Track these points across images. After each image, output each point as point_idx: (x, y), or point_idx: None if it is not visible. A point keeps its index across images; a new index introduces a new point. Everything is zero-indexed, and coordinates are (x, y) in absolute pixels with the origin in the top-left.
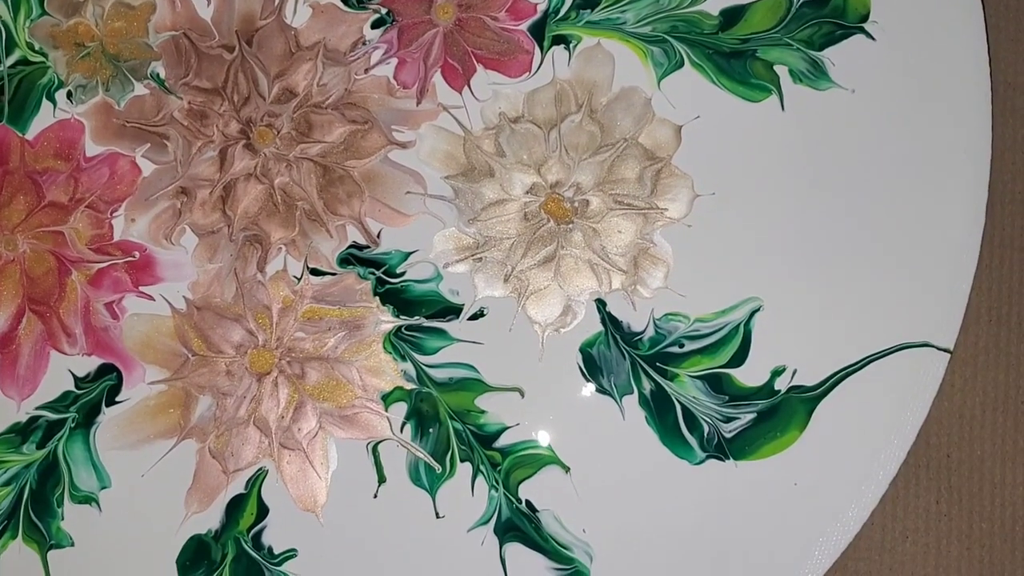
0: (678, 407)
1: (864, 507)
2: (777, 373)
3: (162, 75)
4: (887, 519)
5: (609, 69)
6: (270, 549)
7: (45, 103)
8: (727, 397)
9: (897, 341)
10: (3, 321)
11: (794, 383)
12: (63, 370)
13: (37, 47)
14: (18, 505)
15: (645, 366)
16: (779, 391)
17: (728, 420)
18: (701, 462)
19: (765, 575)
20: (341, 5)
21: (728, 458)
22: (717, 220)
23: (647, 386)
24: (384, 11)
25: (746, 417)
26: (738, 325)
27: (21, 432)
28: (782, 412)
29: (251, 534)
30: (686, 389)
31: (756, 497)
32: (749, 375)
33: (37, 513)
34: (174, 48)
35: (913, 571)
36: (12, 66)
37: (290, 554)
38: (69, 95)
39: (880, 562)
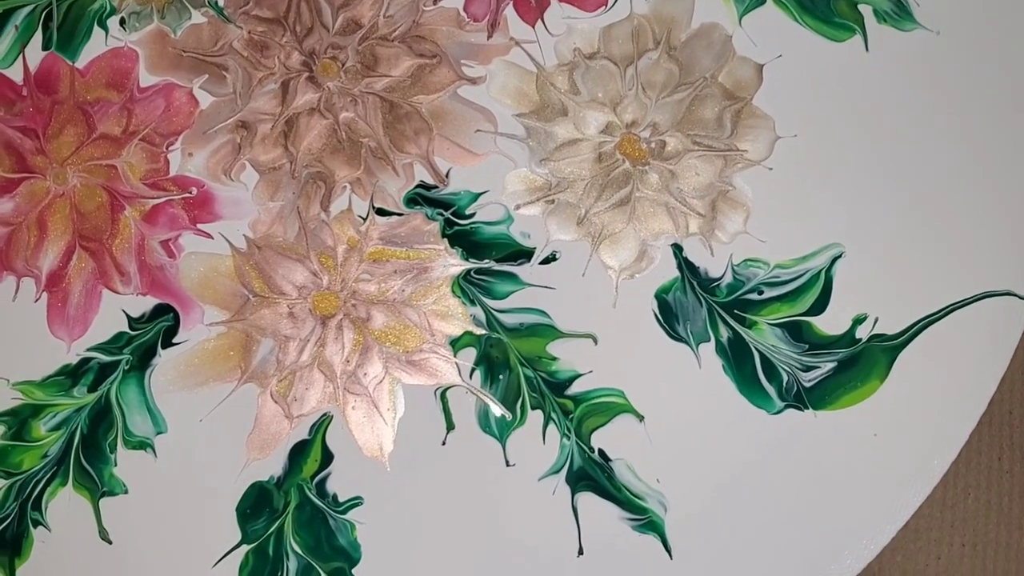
0: (756, 355)
1: (945, 459)
2: (858, 321)
3: (220, 3)
4: (948, 475)
5: (688, 4)
6: (335, 496)
7: (96, 30)
8: (807, 346)
9: (980, 290)
10: (53, 258)
11: (875, 332)
12: (116, 310)
13: None
14: (68, 451)
15: (723, 313)
16: (860, 340)
17: (808, 369)
18: (779, 412)
19: (842, 527)
20: None
21: (807, 408)
22: (798, 163)
23: (724, 334)
24: None
25: (826, 366)
26: (819, 272)
27: (71, 375)
28: (863, 361)
29: (315, 481)
30: (765, 337)
31: (835, 448)
32: (830, 323)
33: (89, 459)
34: None
35: (975, 528)
36: None
37: (356, 502)
38: (122, 22)
39: (941, 519)
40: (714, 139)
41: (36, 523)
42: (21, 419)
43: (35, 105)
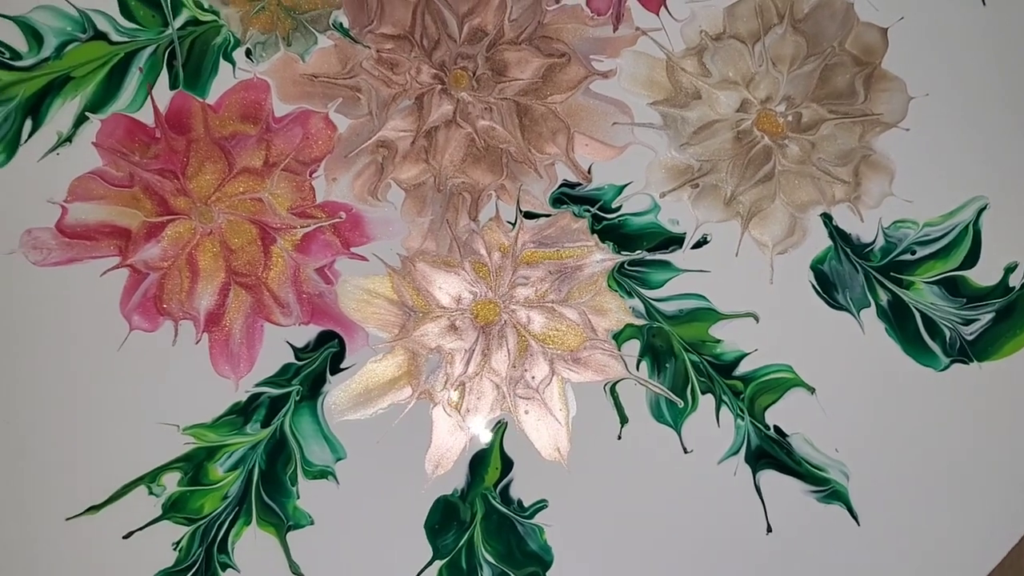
0: (917, 315)
1: None
2: (1010, 270)
3: (345, 24)
4: None
5: None
6: (519, 502)
7: (223, 64)
8: (964, 299)
9: None
10: (209, 298)
11: None
12: (280, 342)
13: (206, 5)
14: (248, 489)
15: (879, 277)
16: (1014, 287)
17: (968, 323)
18: (946, 368)
19: (1020, 474)
20: None
21: (972, 360)
22: (933, 121)
23: (883, 297)
24: None
25: (985, 317)
26: (967, 225)
27: (243, 412)
28: (1019, 308)
29: (498, 489)
30: (923, 296)
31: (1002, 397)
32: (983, 275)
33: (270, 494)
34: None
35: None
36: (182, 28)
37: (540, 505)
38: (248, 53)
39: None
40: (849, 106)
41: (224, 566)
42: (196, 463)
43: (170, 146)
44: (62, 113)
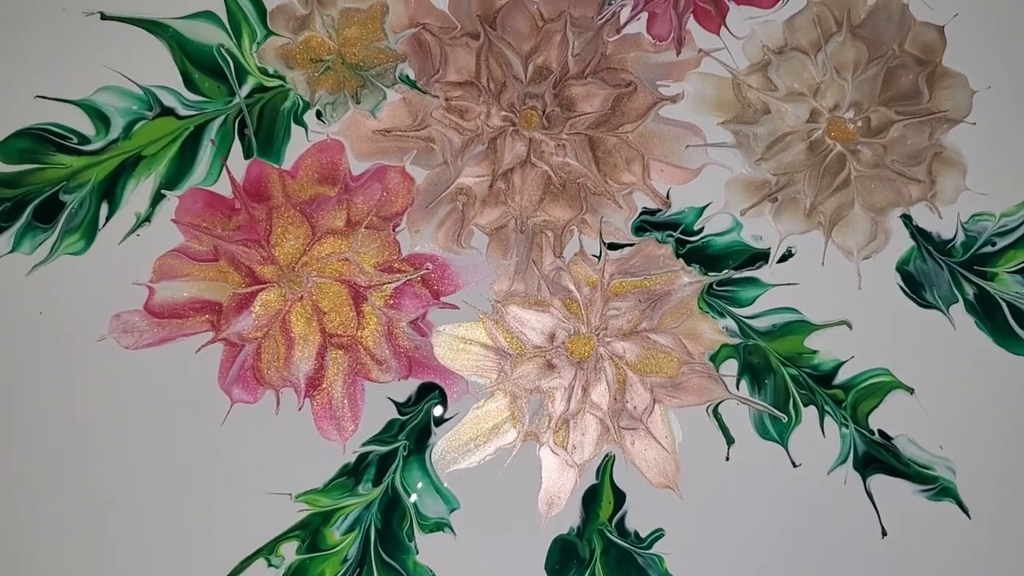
0: (1003, 305)
1: None
2: None
3: (411, 76)
4: None
5: None
6: (636, 534)
7: (294, 128)
8: None
9: None
10: (306, 363)
11: None
12: (381, 399)
13: (271, 70)
14: (367, 550)
15: (963, 271)
16: None
17: None
18: None
19: None
20: None
21: None
22: (997, 112)
23: (970, 291)
24: None
25: None
26: None
27: (353, 473)
28: None
29: (614, 522)
30: (1007, 286)
31: None
32: None
33: (389, 553)
34: (416, 45)
35: None
36: (249, 96)
37: (657, 534)
38: (319, 114)
39: None
40: (915, 106)
41: None
42: (313, 529)
43: (251, 215)
44: (137, 193)
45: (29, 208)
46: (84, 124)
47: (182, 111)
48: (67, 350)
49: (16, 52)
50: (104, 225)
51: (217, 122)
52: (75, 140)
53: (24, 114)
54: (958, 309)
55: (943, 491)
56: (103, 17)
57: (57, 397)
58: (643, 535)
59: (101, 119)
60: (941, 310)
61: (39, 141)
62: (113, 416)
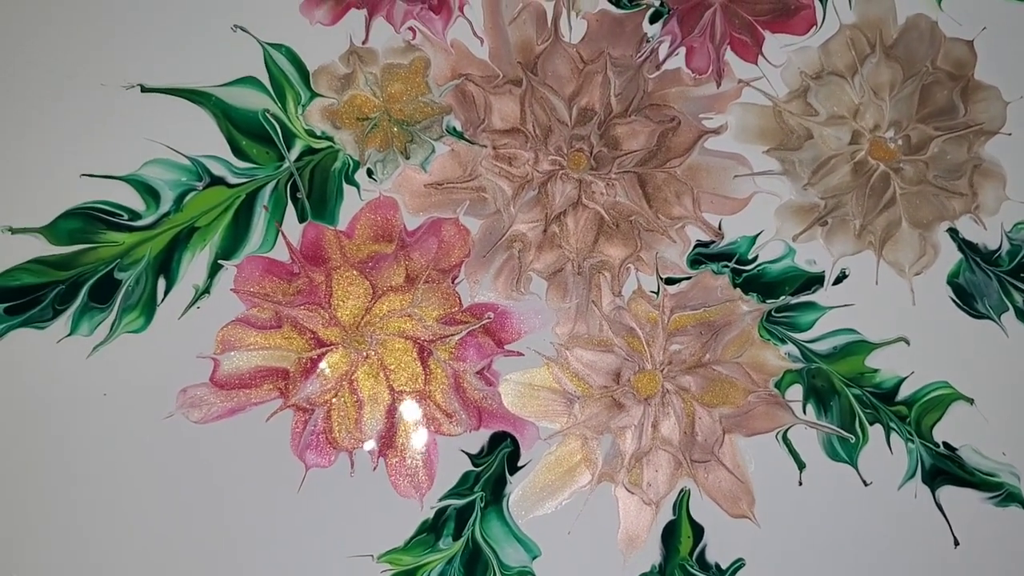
0: None
1: None
2: None
3: (458, 127)
4: None
5: (890, 2)
6: (717, 566)
7: (346, 188)
8: None
9: None
10: (377, 423)
11: None
12: (455, 452)
13: (318, 132)
14: None
15: (1011, 280)
16: None
17: None
18: None
19: None
20: (614, 9)
21: None
22: None
23: (1019, 299)
24: (657, 2)
25: None
26: None
27: (432, 529)
28: None
29: (694, 557)
30: None
31: None
32: None
33: None
34: (461, 96)
35: None
36: (298, 159)
37: (738, 564)
38: (369, 173)
39: None
40: (952, 120)
41: None
42: None
43: (311, 279)
44: (194, 265)
45: (84, 289)
46: (133, 200)
47: (232, 179)
48: (134, 430)
49: (57, 131)
50: (163, 300)
51: (269, 188)
52: (126, 216)
53: (70, 193)
54: (1009, 317)
55: (1009, 497)
56: (143, 90)
57: (128, 480)
58: (724, 567)
59: (150, 193)
60: (993, 319)
61: (88, 220)
62: (188, 493)
